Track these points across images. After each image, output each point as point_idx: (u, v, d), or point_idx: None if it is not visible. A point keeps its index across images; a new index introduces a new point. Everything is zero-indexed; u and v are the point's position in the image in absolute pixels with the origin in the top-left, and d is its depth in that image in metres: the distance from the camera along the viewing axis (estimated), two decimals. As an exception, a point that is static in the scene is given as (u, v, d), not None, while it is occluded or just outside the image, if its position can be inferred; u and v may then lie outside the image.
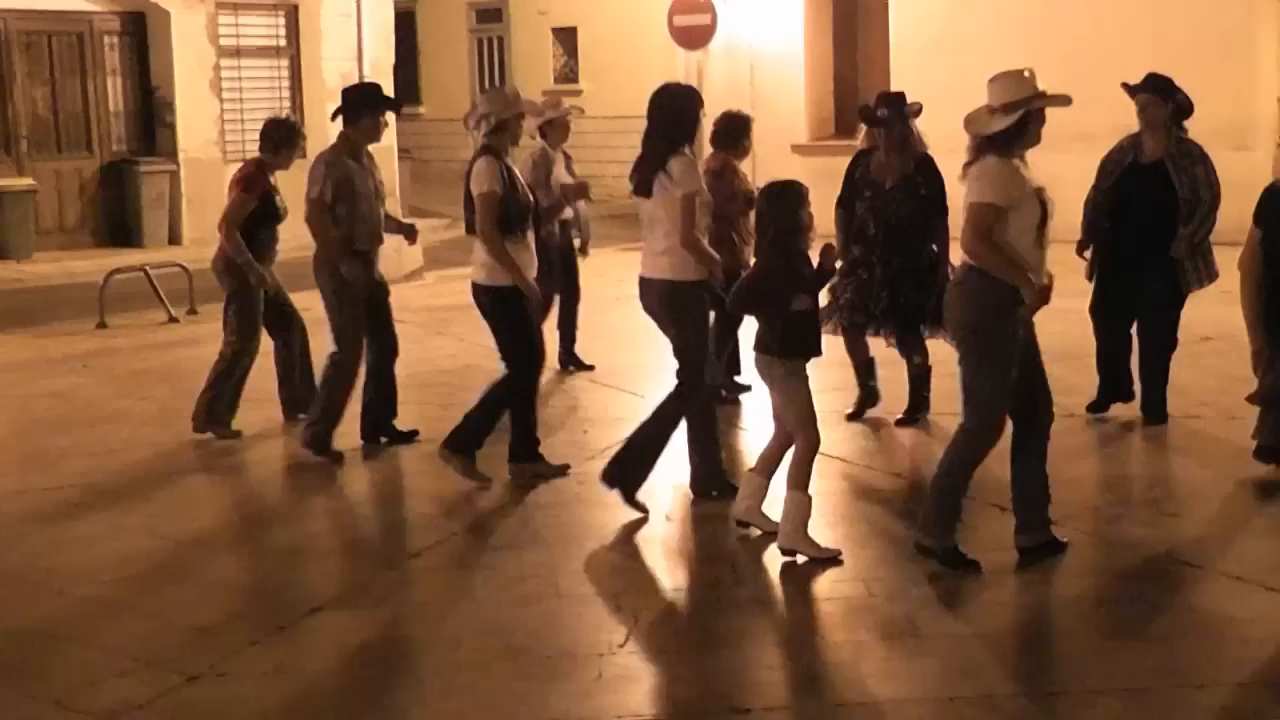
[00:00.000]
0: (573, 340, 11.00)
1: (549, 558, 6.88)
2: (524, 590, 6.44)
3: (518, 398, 8.11)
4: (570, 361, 10.95)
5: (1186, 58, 14.97)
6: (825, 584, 6.40)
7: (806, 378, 6.82)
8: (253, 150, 20.13)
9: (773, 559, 6.79)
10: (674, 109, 7.39)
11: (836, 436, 8.36)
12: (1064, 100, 6.29)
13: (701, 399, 7.51)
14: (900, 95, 9.12)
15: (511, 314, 7.94)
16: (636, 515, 7.40)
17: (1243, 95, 15.94)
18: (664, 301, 7.37)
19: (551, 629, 5.98)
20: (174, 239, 19.22)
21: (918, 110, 8.92)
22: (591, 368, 10.91)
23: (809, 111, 19.80)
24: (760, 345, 6.81)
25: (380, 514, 8.07)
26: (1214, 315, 10.05)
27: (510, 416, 8.12)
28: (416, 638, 6.03)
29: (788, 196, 6.77)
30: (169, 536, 7.40)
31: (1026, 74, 6.32)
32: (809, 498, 6.69)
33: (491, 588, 6.51)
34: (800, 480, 6.70)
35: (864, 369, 9.18)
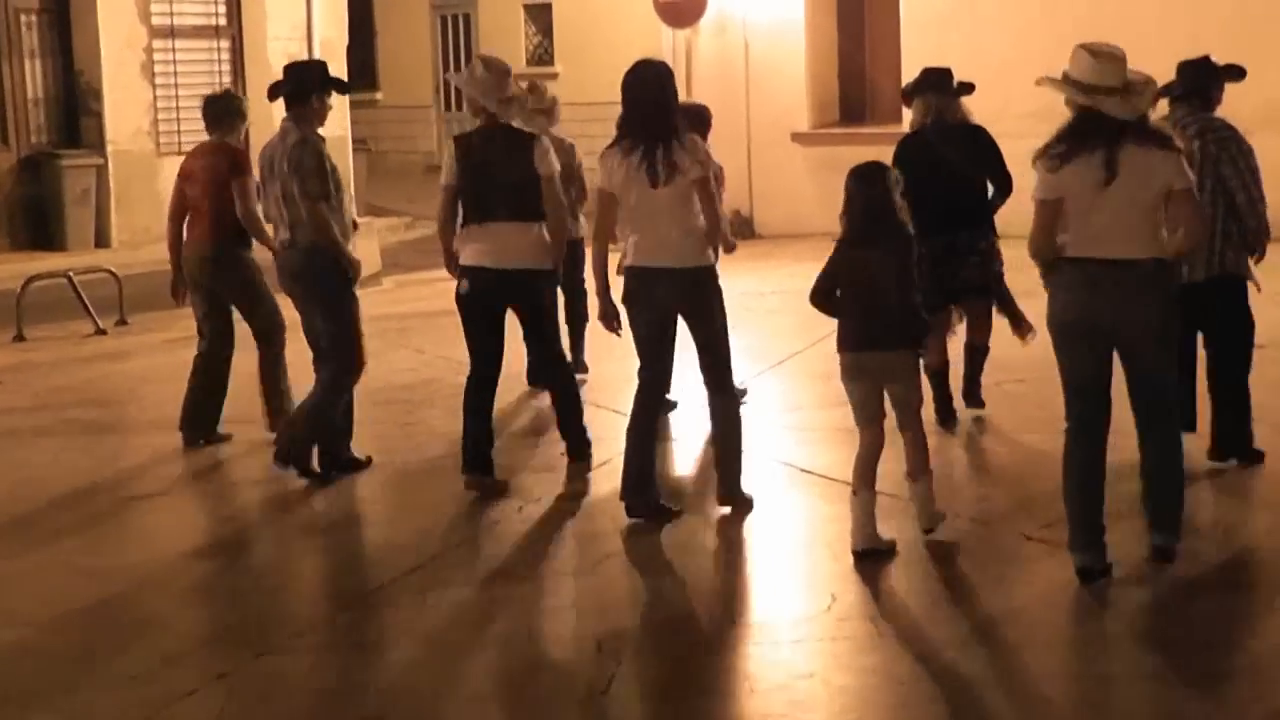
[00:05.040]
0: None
1: (521, 594, 6.89)
2: (494, 630, 6.45)
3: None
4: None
5: (1223, 37, 15.01)
6: (829, 622, 6.40)
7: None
8: (190, 141, 20.10)
9: (768, 595, 6.81)
10: (659, 88, 7.61)
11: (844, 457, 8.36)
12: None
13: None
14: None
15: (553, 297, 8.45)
16: (619, 547, 7.42)
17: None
18: (686, 290, 7.61)
19: (525, 674, 5.98)
20: (101, 241, 19.20)
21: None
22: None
23: (811, 96, 19.81)
24: (887, 341, 7.09)
25: (334, 546, 8.05)
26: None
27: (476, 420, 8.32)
28: (373, 685, 6.01)
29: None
30: (96, 573, 7.38)
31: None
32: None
33: (457, 628, 6.51)
34: (925, 464, 7.32)
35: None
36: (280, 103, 8.77)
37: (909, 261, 7.11)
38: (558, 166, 8.22)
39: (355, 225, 9.26)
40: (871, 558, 6.98)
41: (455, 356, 11.45)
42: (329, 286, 8.61)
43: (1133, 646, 6.15)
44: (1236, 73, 8.26)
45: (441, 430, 9.63)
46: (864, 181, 7.11)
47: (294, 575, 7.53)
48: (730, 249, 8.51)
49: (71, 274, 14.45)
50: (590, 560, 7.29)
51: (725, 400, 7.82)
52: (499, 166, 8.13)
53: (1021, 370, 10.11)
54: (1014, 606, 6.52)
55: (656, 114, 7.55)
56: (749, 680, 5.92)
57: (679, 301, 7.63)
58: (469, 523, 7.92)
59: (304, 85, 8.67)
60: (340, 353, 8.63)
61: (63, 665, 6.24)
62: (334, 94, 8.81)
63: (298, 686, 6.03)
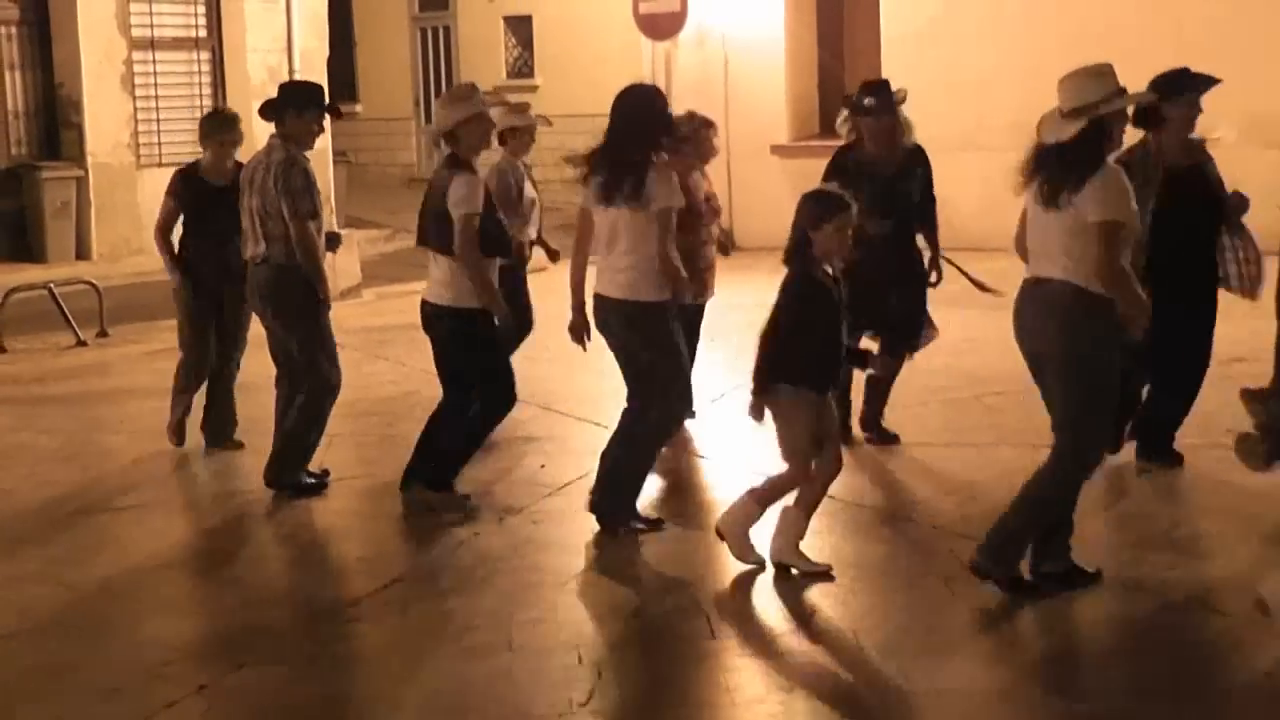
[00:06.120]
0: None
1: (501, 606, 6.87)
2: (473, 642, 6.43)
3: (487, 428, 8.35)
4: None
5: (1210, 48, 15.09)
6: (810, 634, 6.41)
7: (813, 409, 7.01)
8: (170, 154, 20.04)
9: (750, 608, 6.81)
10: (640, 109, 7.55)
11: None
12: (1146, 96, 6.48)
13: (664, 423, 7.77)
14: (885, 83, 9.32)
15: (481, 338, 8.08)
16: (598, 560, 7.42)
17: (1273, 87, 16.06)
18: (625, 324, 7.57)
19: (504, 685, 5.98)
20: (82, 254, 19.11)
21: (902, 98, 9.07)
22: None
23: (790, 109, 19.86)
24: (778, 374, 6.93)
25: (313, 558, 8.05)
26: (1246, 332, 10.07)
27: (439, 440, 8.25)
28: (354, 696, 6.00)
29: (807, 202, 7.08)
30: (73, 585, 7.36)
31: (1103, 71, 6.48)
32: (760, 512, 7.14)
33: (437, 640, 6.51)
34: (767, 499, 7.13)
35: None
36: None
37: (786, 300, 7.03)
38: (467, 207, 7.82)
39: (339, 239, 9.25)
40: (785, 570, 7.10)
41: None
42: (301, 305, 8.51)
43: (1106, 659, 6.17)
44: (1206, 82, 8.26)
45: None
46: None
47: (273, 587, 7.51)
48: (680, 290, 7.71)
49: (52, 286, 14.41)
50: (569, 572, 7.28)
51: (637, 423, 7.71)
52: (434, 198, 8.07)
53: (1002, 383, 10.14)
54: (994, 619, 6.53)
55: (629, 139, 7.50)
56: (730, 693, 5.92)
57: (618, 332, 7.64)
58: (448, 535, 7.90)
59: (281, 103, 8.59)
60: (314, 372, 8.56)
61: (42, 678, 6.22)
62: (323, 116, 8.71)
63: (277, 698, 6.02)
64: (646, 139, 7.51)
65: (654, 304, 7.53)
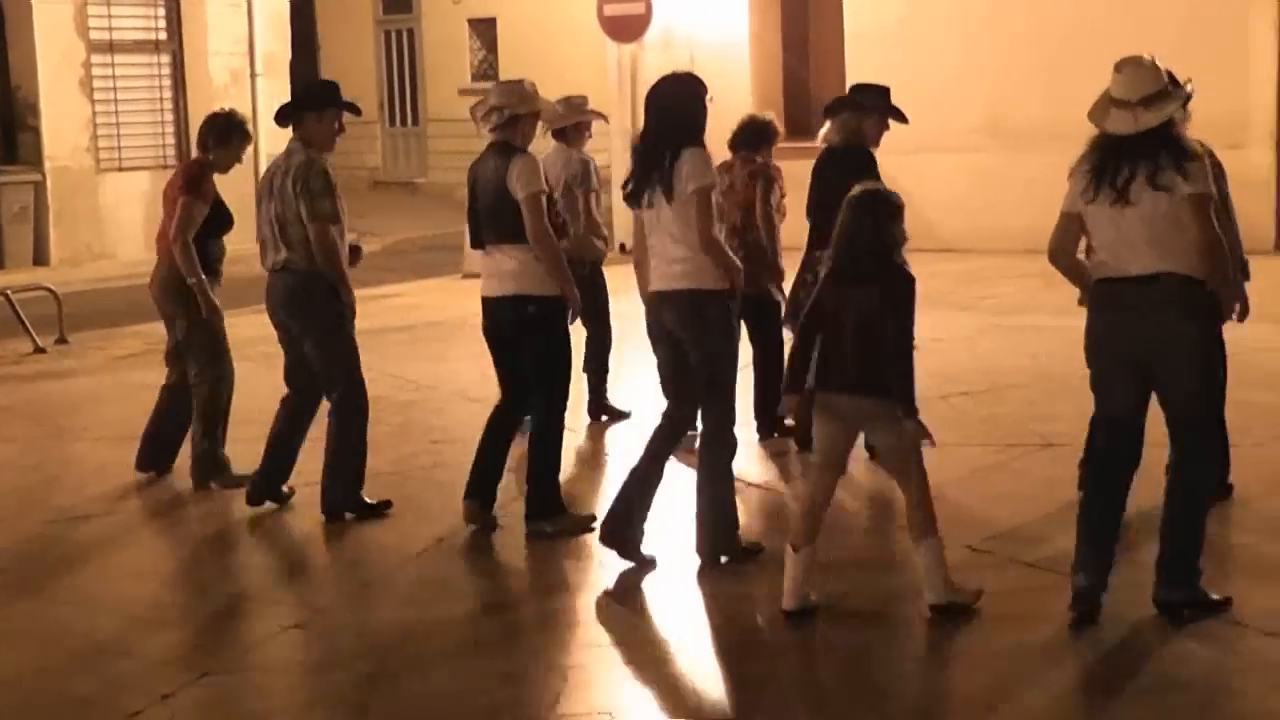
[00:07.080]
0: (604, 382, 10.37)
1: (474, 608, 6.93)
2: (442, 646, 6.44)
3: (559, 432, 8.01)
4: (602, 410, 10.35)
5: (1174, 49, 15.18)
6: (787, 638, 6.43)
7: None
8: (130, 158, 19.89)
9: (731, 614, 6.84)
10: (676, 101, 7.31)
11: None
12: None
13: (730, 437, 7.36)
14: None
15: (559, 330, 7.85)
16: (577, 562, 7.42)
17: (1236, 88, 16.17)
18: (685, 316, 7.22)
19: (476, 691, 5.97)
20: (40, 259, 19.10)
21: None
22: (627, 414, 10.27)
23: (756, 110, 19.90)
24: (867, 386, 6.47)
25: (278, 565, 8.04)
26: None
27: (535, 460, 7.92)
28: (319, 704, 5.99)
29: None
30: (36, 593, 7.35)
31: (1150, 61, 6.41)
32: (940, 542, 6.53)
33: (405, 645, 6.49)
34: (931, 525, 6.54)
35: None
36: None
37: (894, 302, 6.42)
38: (537, 186, 7.62)
39: (361, 251, 8.97)
40: (803, 617, 6.52)
41: (403, 374, 11.48)
42: (325, 313, 8.26)
43: (1103, 658, 6.20)
44: None
45: (386, 447, 9.59)
46: (850, 210, 6.53)
47: (238, 595, 7.49)
48: (735, 280, 7.25)
49: (9, 292, 14.32)
50: (545, 577, 7.29)
51: (716, 451, 7.30)
52: (489, 187, 7.80)
53: (968, 383, 10.18)
54: (970, 620, 6.53)
55: (657, 129, 7.25)
56: (705, 697, 5.94)
57: (678, 328, 7.22)
58: (415, 541, 7.88)
59: (297, 105, 8.39)
60: (345, 384, 8.30)
61: (5, 687, 6.20)
62: (342, 116, 8.37)
63: (242, 706, 6.02)
64: (678, 133, 7.17)
65: (714, 292, 7.16)
